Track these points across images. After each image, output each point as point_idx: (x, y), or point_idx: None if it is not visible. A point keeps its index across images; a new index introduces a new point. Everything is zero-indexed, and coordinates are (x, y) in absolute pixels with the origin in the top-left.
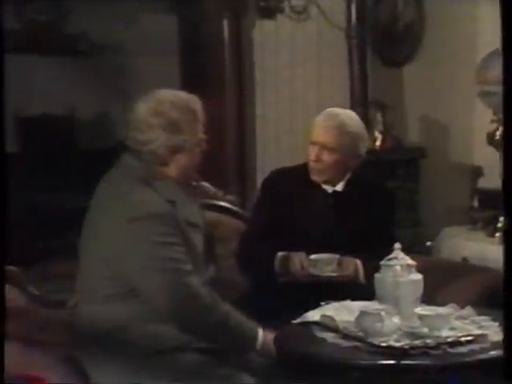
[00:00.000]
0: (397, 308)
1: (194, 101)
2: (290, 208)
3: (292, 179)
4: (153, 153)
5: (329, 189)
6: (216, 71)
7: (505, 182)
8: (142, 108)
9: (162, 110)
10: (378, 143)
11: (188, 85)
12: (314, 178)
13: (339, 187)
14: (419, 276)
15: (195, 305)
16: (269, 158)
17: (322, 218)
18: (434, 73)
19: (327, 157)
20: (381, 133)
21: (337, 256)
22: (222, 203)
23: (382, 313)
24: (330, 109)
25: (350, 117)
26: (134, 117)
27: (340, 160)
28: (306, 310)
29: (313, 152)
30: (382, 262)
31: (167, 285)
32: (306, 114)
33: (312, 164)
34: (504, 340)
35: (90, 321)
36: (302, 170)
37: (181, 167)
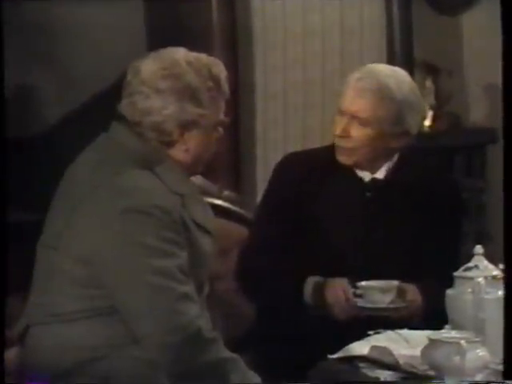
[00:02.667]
0: (481, 336)
1: (219, 67)
2: (312, 205)
3: (314, 165)
4: (156, 127)
5: (366, 176)
6: (198, 21)
7: (505, 180)
8: (149, 67)
9: (177, 72)
10: (427, 122)
11: (157, 42)
12: (340, 158)
13: (380, 174)
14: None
15: (187, 339)
16: (273, 144)
17: (357, 218)
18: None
19: (358, 131)
20: (432, 108)
21: (396, 282)
22: (218, 201)
23: (462, 342)
24: (370, 65)
25: (397, 77)
26: (136, 78)
27: (377, 137)
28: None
29: (339, 124)
30: (457, 274)
31: (154, 308)
32: (326, 83)
33: (337, 140)
34: (504, 340)
35: (50, 350)
36: (331, 152)
37: (189, 151)
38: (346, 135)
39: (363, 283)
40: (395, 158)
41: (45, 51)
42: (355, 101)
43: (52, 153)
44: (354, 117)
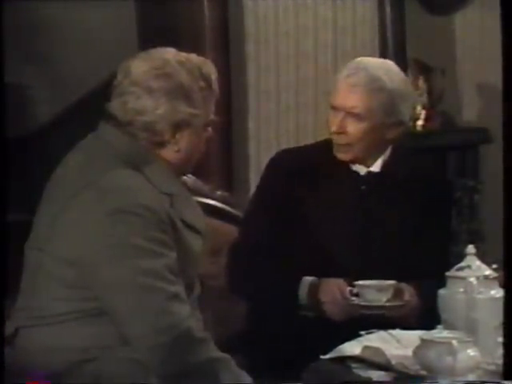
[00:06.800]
0: (473, 336)
1: (210, 67)
2: (305, 202)
3: (308, 160)
4: (148, 127)
5: (361, 170)
6: (190, 21)
7: (505, 180)
8: (140, 66)
9: (169, 71)
10: (420, 122)
11: (149, 43)
12: (339, 155)
13: (376, 167)
14: (502, 293)
15: (177, 338)
16: (266, 144)
17: (352, 212)
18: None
19: (354, 126)
20: (424, 108)
21: (392, 282)
22: (211, 201)
23: (454, 342)
24: (358, 59)
25: (386, 68)
26: (127, 78)
27: (372, 130)
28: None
29: (334, 120)
30: (449, 273)
31: (144, 309)
32: (319, 82)
33: (334, 137)
34: (504, 340)
35: (40, 353)
36: (324, 147)
37: (181, 151)
38: (342, 131)
39: (360, 282)
40: (388, 151)
41: (36, 51)
42: (348, 97)
43: (44, 152)
44: (348, 113)
